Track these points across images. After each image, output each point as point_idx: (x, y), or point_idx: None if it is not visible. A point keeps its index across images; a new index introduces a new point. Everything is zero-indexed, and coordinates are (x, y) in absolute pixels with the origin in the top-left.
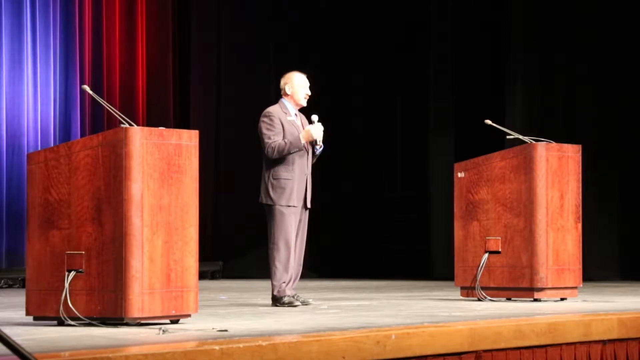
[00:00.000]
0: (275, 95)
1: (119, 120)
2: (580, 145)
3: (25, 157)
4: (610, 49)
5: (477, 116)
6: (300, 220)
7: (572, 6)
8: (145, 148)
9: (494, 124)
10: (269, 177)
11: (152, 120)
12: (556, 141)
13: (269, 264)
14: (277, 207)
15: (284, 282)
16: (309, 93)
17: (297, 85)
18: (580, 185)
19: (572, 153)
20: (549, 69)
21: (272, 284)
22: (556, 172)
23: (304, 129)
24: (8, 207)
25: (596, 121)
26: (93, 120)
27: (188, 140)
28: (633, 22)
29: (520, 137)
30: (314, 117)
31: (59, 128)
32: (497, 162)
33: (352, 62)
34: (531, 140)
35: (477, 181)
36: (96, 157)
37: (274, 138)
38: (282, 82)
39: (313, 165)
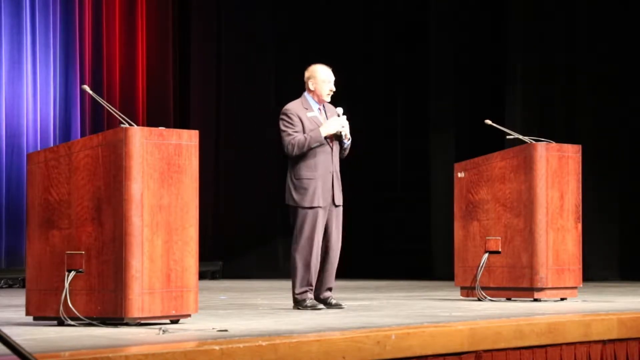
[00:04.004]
0: (276, 95)
1: (119, 120)
2: (580, 145)
3: (25, 157)
4: (611, 48)
5: (477, 116)
6: (330, 220)
7: (572, 6)
8: (145, 148)
9: (494, 124)
10: (291, 177)
11: (152, 120)
12: (556, 141)
13: (290, 264)
14: (299, 209)
15: (307, 285)
16: (333, 89)
17: (320, 81)
18: (580, 185)
19: (572, 153)
20: (549, 69)
21: (294, 286)
22: (556, 172)
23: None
24: (8, 207)
25: (596, 121)
26: (93, 120)
27: (188, 140)
28: (633, 22)
29: (520, 137)
30: (339, 110)
31: (59, 128)
32: (497, 162)
33: (352, 62)
34: (531, 140)
35: (477, 181)
36: (96, 157)
37: (293, 135)
38: (306, 75)
39: (342, 161)
